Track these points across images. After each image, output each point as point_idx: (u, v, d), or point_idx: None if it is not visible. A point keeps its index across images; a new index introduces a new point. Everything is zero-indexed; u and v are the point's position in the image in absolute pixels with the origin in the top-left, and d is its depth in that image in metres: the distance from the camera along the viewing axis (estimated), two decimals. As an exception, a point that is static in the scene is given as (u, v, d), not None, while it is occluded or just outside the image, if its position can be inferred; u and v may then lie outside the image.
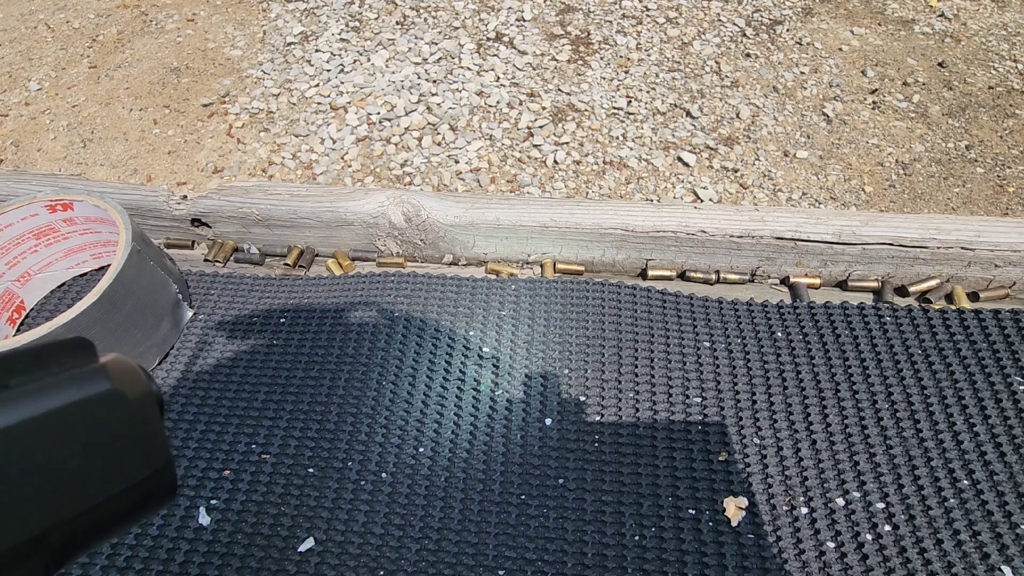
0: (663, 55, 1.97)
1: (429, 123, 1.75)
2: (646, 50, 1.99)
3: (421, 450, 1.04)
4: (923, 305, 1.22)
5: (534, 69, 1.92)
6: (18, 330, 1.25)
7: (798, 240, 1.25)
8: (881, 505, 0.96)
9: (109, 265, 1.25)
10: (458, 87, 1.85)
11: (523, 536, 0.94)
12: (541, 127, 1.73)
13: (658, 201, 1.53)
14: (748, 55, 1.96)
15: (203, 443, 1.06)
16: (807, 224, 1.25)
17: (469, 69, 1.92)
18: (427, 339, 1.19)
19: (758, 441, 1.04)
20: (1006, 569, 0.89)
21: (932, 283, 1.28)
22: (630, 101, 1.80)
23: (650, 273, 1.32)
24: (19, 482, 0.26)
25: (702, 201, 1.52)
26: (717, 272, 1.32)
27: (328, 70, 1.93)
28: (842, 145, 1.67)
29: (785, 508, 0.96)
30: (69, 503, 0.28)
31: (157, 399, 0.33)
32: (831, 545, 0.92)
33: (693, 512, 0.96)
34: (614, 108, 1.79)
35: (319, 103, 1.82)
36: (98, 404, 0.29)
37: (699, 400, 1.10)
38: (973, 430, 1.04)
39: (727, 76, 1.88)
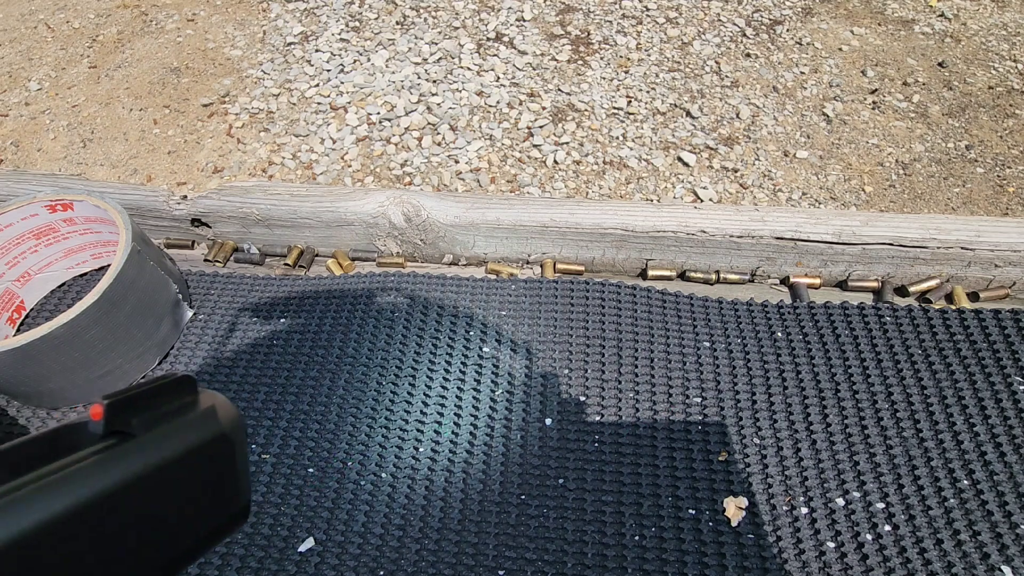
0: (663, 55, 1.97)
1: (429, 123, 1.75)
2: (646, 50, 1.99)
3: (421, 450, 1.04)
4: (923, 305, 1.22)
5: (534, 69, 1.92)
6: (18, 330, 1.25)
7: (798, 240, 1.25)
8: (881, 505, 0.96)
9: (109, 265, 1.26)
10: (458, 87, 1.85)
11: (523, 536, 0.94)
12: (541, 127, 1.73)
13: (658, 201, 1.52)
14: (748, 55, 1.96)
15: (203, 443, 1.06)
16: (807, 224, 1.25)
17: (469, 69, 1.92)
18: (427, 339, 1.19)
19: (758, 441, 1.04)
20: (1006, 569, 0.89)
21: (932, 283, 1.28)
22: (630, 101, 1.80)
23: (650, 273, 1.32)
24: (141, 525, 0.28)
25: (702, 201, 1.52)
26: (717, 272, 1.32)
27: (328, 70, 1.93)
28: (842, 145, 1.67)
29: (785, 508, 0.96)
30: (181, 539, 0.31)
31: (244, 429, 0.35)
32: (831, 545, 0.92)
33: (693, 512, 0.96)
34: (614, 108, 1.79)
35: (319, 103, 1.82)
36: (210, 446, 0.32)
37: (699, 400, 1.09)
38: (973, 430, 1.04)
39: (727, 76, 1.88)
